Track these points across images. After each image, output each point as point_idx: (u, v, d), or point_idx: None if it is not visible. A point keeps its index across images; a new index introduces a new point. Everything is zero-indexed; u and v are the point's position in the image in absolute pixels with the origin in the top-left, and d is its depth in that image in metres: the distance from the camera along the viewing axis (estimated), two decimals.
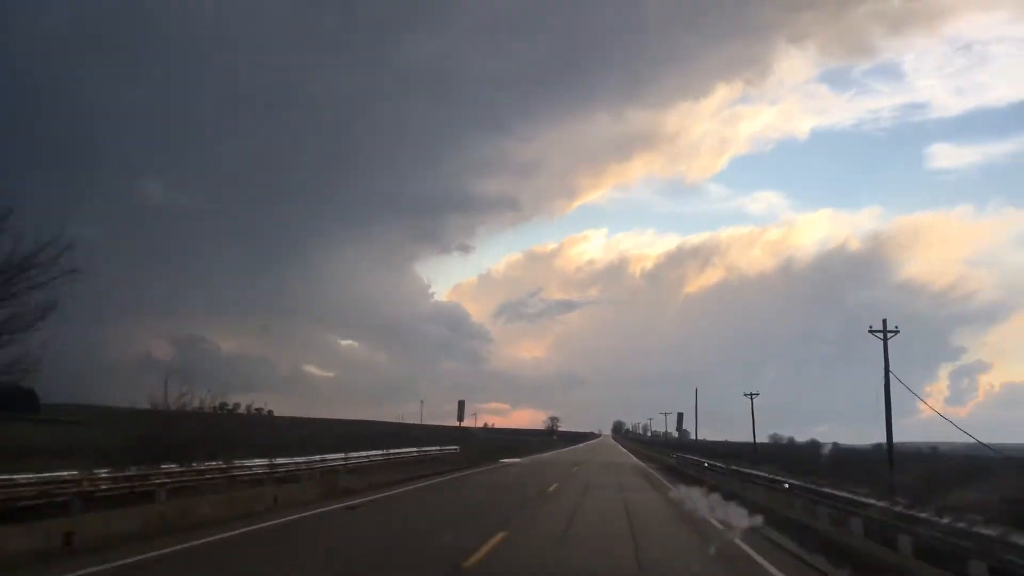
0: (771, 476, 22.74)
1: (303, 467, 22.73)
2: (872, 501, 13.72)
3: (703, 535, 16.23)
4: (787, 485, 20.22)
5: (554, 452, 74.87)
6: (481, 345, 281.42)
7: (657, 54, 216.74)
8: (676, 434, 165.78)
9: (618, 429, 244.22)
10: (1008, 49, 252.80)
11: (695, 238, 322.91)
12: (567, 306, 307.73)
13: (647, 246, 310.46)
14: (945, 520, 11.23)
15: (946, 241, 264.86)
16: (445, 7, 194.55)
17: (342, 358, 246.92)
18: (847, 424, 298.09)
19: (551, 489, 26.88)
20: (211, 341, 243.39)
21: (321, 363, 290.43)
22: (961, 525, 10.61)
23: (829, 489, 16.68)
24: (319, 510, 18.44)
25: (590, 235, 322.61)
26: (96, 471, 14.88)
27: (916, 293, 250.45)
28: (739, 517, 20.24)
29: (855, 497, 14.66)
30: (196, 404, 30.40)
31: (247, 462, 19.39)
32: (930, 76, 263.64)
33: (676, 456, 50.15)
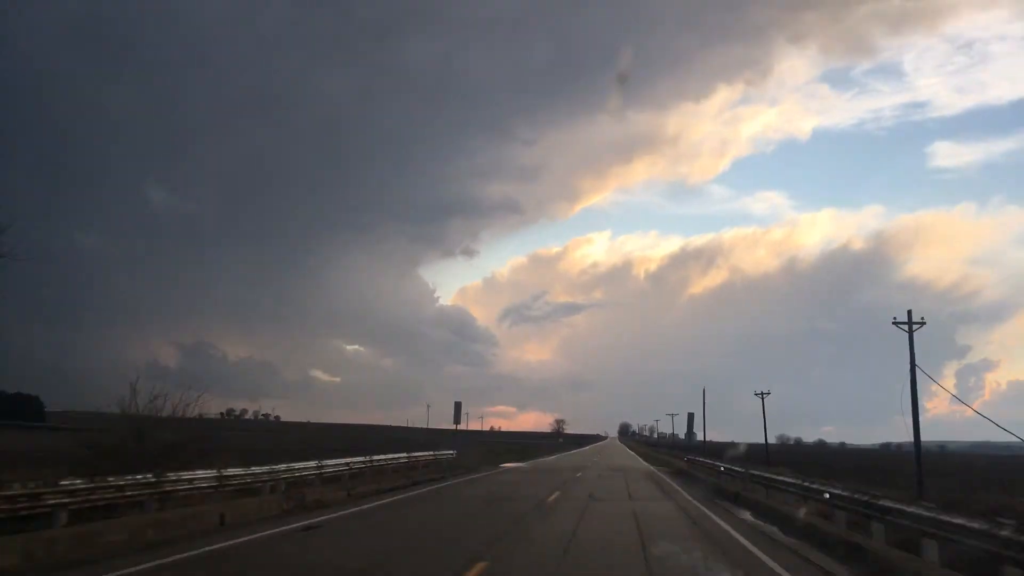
0: (803, 483, 19.37)
1: (265, 478, 19.45)
2: (961, 521, 10.34)
3: (734, 559, 12.90)
4: (827, 495, 16.83)
5: (558, 456, 71.45)
6: (486, 348, 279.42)
7: (658, 56, 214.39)
8: (683, 436, 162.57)
9: (624, 431, 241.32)
10: (1008, 47, 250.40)
11: (698, 239, 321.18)
12: (572, 309, 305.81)
13: (651, 248, 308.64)
14: None
15: (948, 239, 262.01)
16: (447, 11, 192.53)
17: (348, 363, 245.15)
18: (852, 424, 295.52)
19: (551, 499, 23.58)
20: (218, 347, 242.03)
21: (328, 368, 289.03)
22: None
23: (891, 502, 13.28)
24: (272, 531, 15.24)
25: (594, 238, 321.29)
26: None
27: (920, 292, 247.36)
28: (773, 535, 16.95)
29: (933, 514, 11.27)
30: (170, 409, 29.23)
31: (188, 474, 16.13)
32: (931, 75, 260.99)
33: (687, 459, 46.71)
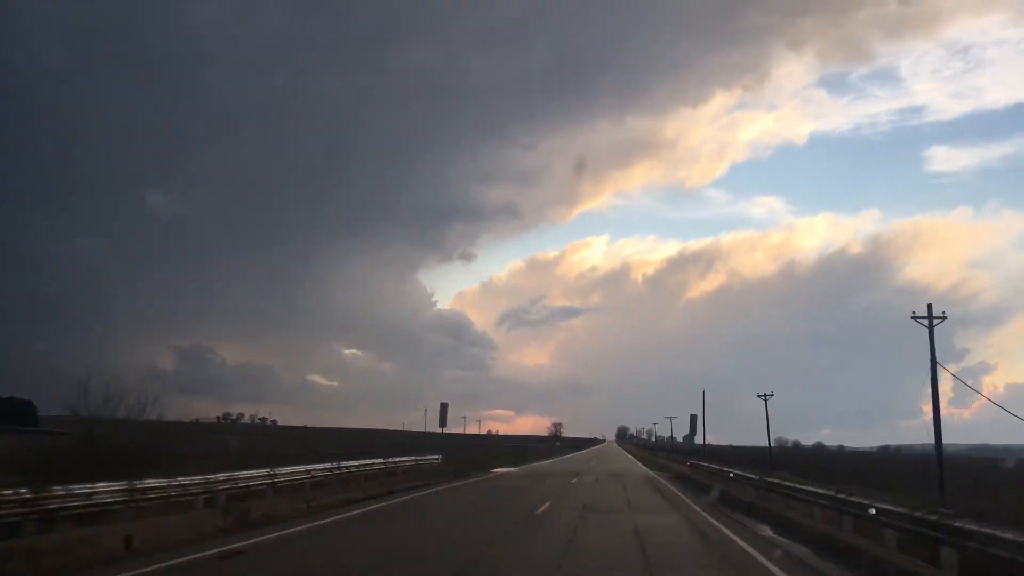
0: (837, 495, 16.13)
1: (196, 490, 16.18)
2: None
3: None
4: (873, 511, 13.60)
5: (554, 460, 68.04)
6: (484, 352, 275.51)
7: (656, 61, 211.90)
8: (682, 439, 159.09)
9: (622, 435, 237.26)
10: (1005, 52, 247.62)
11: (696, 244, 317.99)
12: (570, 313, 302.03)
13: (648, 252, 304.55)
14: None
15: (945, 243, 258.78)
16: (445, 16, 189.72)
17: (346, 367, 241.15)
18: (850, 427, 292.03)
19: (540, 511, 20.31)
20: (216, 351, 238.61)
21: (325, 372, 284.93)
22: None
23: (972, 524, 10.07)
24: (181, 559, 12.02)
25: (592, 242, 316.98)
26: None
27: (917, 296, 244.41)
28: (805, 559, 13.71)
29: None
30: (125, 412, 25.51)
31: (82, 487, 12.85)
32: (927, 80, 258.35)
33: (690, 463, 43.41)
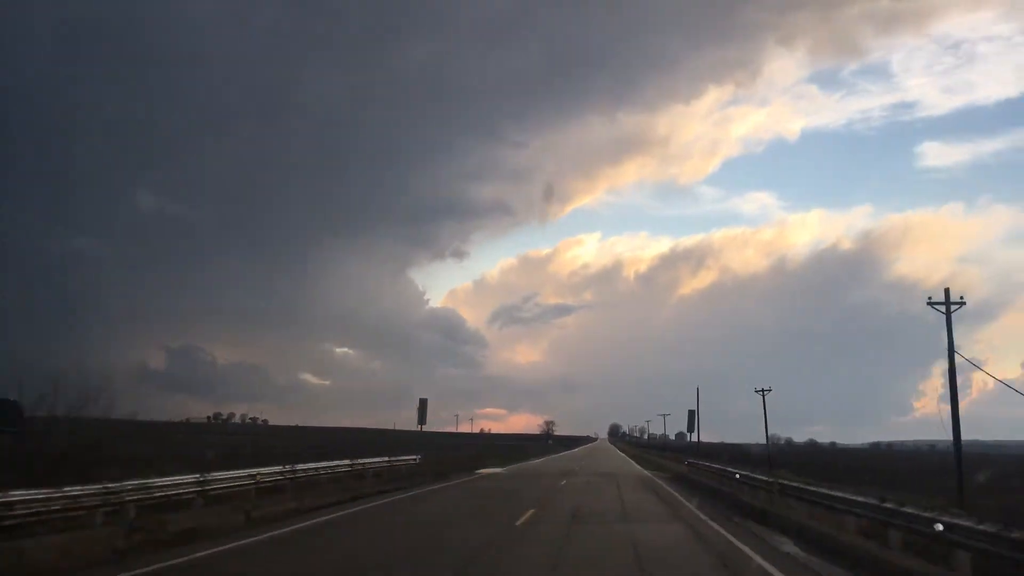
0: (883, 504, 13.04)
1: (93, 502, 12.97)
2: None
3: None
4: (940, 526, 10.48)
5: (544, 459, 64.83)
6: (477, 350, 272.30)
7: (648, 57, 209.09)
8: (674, 437, 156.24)
9: (615, 432, 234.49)
10: (996, 48, 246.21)
11: (688, 240, 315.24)
12: (562, 310, 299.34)
13: (641, 249, 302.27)
14: None
15: (936, 239, 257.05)
16: (437, 14, 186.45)
17: (338, 366, 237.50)
18: (841, 423, 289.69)
19: (522, 522, 17.16)
20: (207, 351, 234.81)
21: (317, 371, 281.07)
22: None
23: None
24: None
25: (584, 239, 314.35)
26: None
27: (908, 291, 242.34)
28: None
29: None
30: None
31: None
32: (919, 75, 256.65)
33: (688, 463, 40.30)
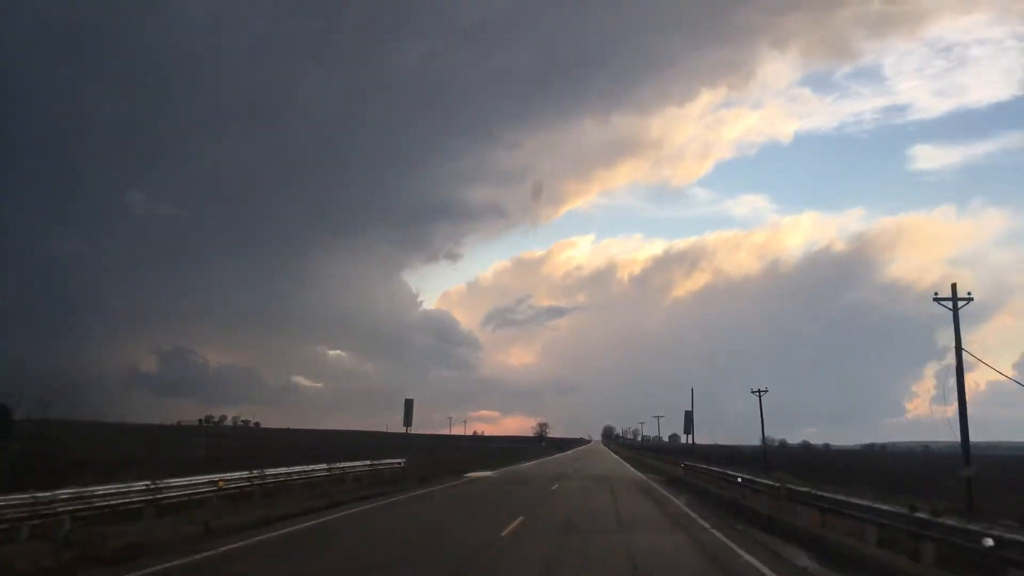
0: (913, 514, 11.48)
1: (18, 514, 11.31)
2: None
3: None
4: (990, 541, 8.94)
5: (537, 461, 63.16)
6: (470, 353, 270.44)
7: (641, 59, 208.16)
8: (667, 439, 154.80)
9: (608, 434, 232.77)
10: (987, 51, 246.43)
11: (681, 242, 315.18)
12: (556, 312, 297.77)
13: (634, 251, 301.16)
14: None
15: (929, 241, 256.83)
16: (430, 15, 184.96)
17: (331, 368, 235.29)
18: (834, 425, 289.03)
19: (508, 531, 15.56)
20: (199, 353, 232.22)
21: (310, 374, 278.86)
22: None
23: None
24: None
25: (577, 241, 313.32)
26: None
27: (900, 293, 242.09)
28: None
29: None
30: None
31: None
32: (911, 78, 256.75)
33: (685, 465, 38.73)
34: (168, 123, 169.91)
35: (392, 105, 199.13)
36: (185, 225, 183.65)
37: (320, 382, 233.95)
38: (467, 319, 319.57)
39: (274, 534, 15.09)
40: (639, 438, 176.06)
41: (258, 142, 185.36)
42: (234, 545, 13.52)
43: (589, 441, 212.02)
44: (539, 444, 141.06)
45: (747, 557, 13.03)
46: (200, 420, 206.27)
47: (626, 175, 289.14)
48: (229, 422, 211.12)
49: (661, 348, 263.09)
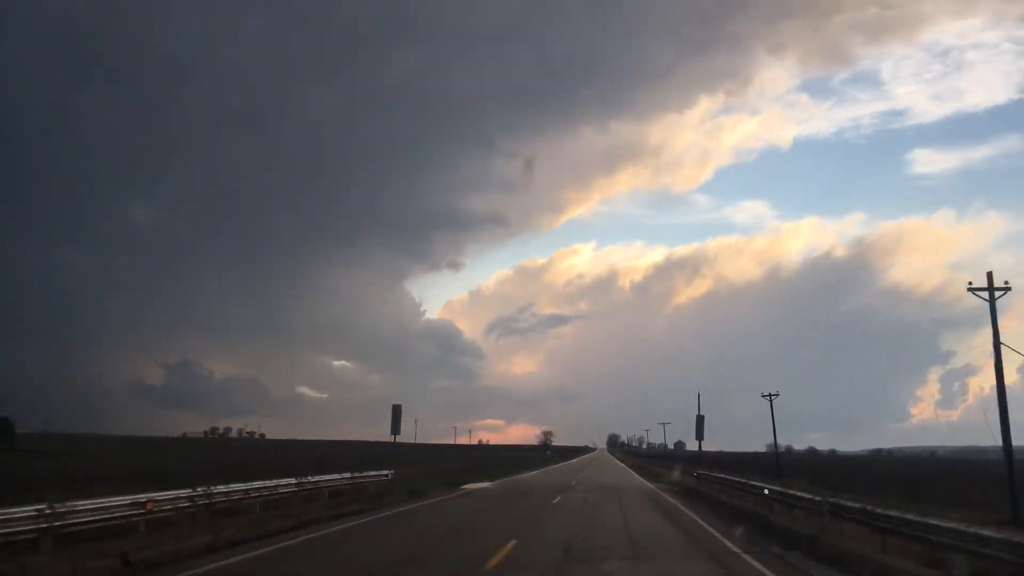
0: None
1: None
2: None
3: None
4: None
5: (539, 471, 59.80)
6: (473, 362, 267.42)
7: (639, 67, 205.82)
8: (672, 446, 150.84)
9: (613, 442, 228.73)
10: (984, 55, 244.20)
11: (683, 249, 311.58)
12: (558, 320, 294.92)
13: (636, 258, 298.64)
14: None
15: (929, 246, 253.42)
16: (429, 25, 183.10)
17: (335, 379, 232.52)
18: (838, 430, 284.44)
19: (492, 563, 12.41)
20: (204, 365, 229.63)
21: (315, 385, 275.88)
22: None
23: None
24: None
25: (579, 249, 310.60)
26: None
27: (902, 298, 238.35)
28: None
29: None
30: None
31: None
32: (908, 83, 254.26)
33: (698, 474, 35.46)
34: (170, 137, 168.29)
35: (392, 115, 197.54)
36: (189, 238, 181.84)
37: (325, 393, 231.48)
38: (470, 328, 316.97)
39: (212, 566, 12.03)
40: (644, 445, 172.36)
41: (260, 154, 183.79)
42: None
43: (594, 449, 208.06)
44: (544, 453, 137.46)
45: None
46: (205, 432, 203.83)
47: (626, 182, 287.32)
48: (234, 433, 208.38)
49: (664, 355, 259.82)
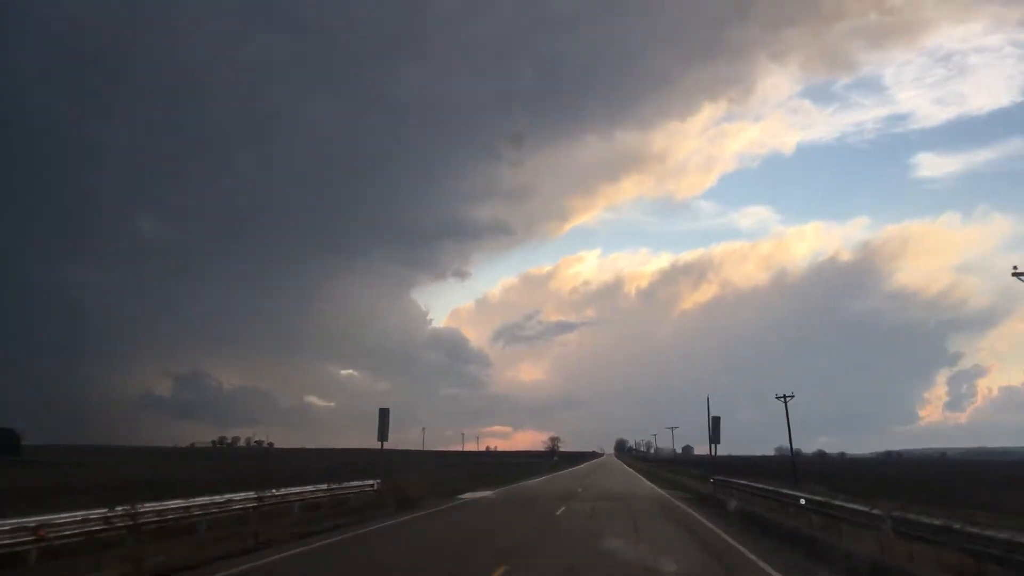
0: None
1: None
2: None
3: None
4: None
5: (546, 477, 56.50)
6: (480, 369, 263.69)
7: (643, 75, 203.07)
8: (683, 450, 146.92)
9: (621, 447, 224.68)
10: (985, 59, 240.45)
11: (688, 255, 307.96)
12: (564, 327, 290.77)
13: (641, 265, 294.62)
14: None
15: (935, 249, 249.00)
16: (432, 37, 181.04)
17: (342, 388, 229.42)
18: (846, 433, 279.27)
19: None
20: (213, 376, 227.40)
21: (322, 393, 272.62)
22: None
23: None
24: None
25: (584, 256, 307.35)
26: None
27: (908, 301, 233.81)
28: None
29: None
30: None
31: None
32: (911, 88, 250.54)
33: (714, 480, 32.21)
34: (178, 150, 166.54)
35: (397, 127, 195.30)
36: (197, 250, 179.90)
37: (333, 401, 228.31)
38: (476, 336, 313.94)
39: None
40: (652, 450, 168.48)
41: (266, 168, 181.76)
42: None
43: (602, 454, 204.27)
44: (551, 459, 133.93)
45: None
46: (213, 442, 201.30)
47: (631, 190, 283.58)
48: (243, 443, 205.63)
49: (670, 361, 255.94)
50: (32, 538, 10.64)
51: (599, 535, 16.53)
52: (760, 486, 23.07)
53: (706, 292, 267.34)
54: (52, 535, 10.99)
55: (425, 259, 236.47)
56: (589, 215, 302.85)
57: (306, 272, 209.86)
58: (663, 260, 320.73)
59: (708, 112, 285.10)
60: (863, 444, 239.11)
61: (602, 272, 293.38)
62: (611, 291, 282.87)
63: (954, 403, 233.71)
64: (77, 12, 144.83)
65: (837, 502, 14.91)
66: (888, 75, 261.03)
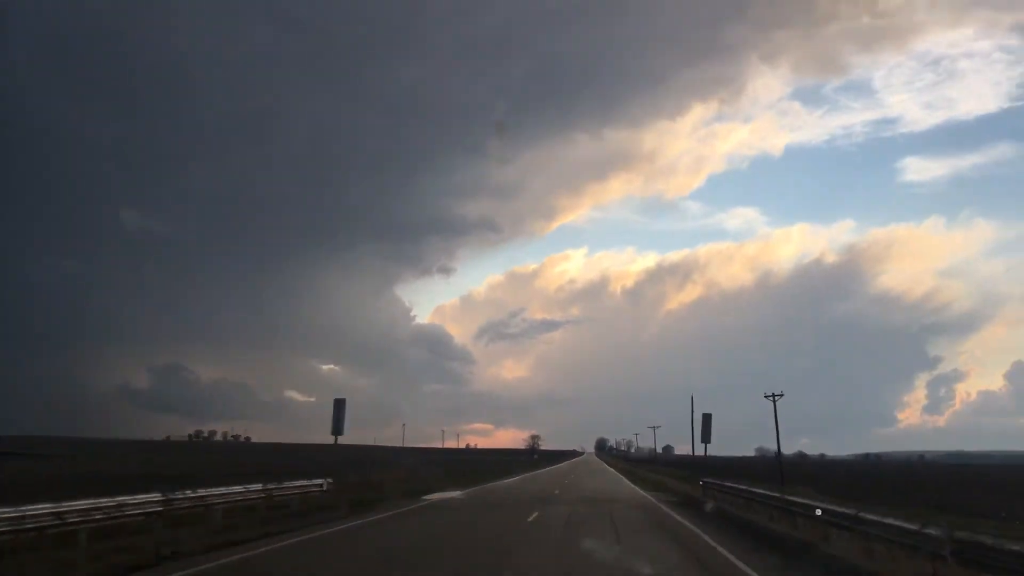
0: None
1: None
2: None
3: None
4: None
5: (521, 476, 53.54)
6: (463, 367, 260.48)
7: (633, 75, 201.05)
8: (663, 450, 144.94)
9: (601, 446, 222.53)
10: (975, 64, 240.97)
11: (674, 255, 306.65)
12: (549, 325, 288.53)
13: (627, 264, 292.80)
14: None
15: (919, 253, 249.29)
16: (422, 33, 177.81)
17: (323, 383, 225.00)
18: (826, 435, 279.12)
19: None
20: (191, 369, 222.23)
21: (302, 388, 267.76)
22: None
23: None
24: None
25: (571, 254, 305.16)
26: None
27: (891, 304, 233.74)
28: None
29: None
30: None
31: None
32: (900, 91, 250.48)
33: (704, 483, 29.44)
34: (162, 142, 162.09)
35: (384, 121, 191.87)
36: (177, 243, 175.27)
37: (313, 396, 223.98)
38: (460, 333, 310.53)
39: None
40: (632, 449, 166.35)
41: (249, 159, 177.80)
42: None
43: (582, 453, 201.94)
44: (531, 457, 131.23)
45: None
46: (190, 435, 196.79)
47: (619, 189, 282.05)
48: (219, 437, 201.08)
49: (654, 360, 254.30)
50: None
51: (575, 547, 13.65)
52: (760, 491, 20.30)
53: (691, 292, 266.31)
54: None
55: (410, 255, 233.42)
56: (577, 214, 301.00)
57: (288, 265, 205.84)
58: (649, 260, 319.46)
59: (698, 112, 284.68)
60: (842, 446, 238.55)
61: (588, 271, 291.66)
62: (596, 290, 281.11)
63: (932, 406, 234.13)
64: (72, 11, 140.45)
65: (870, 516, 12.02)
66: (878, 78, 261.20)
